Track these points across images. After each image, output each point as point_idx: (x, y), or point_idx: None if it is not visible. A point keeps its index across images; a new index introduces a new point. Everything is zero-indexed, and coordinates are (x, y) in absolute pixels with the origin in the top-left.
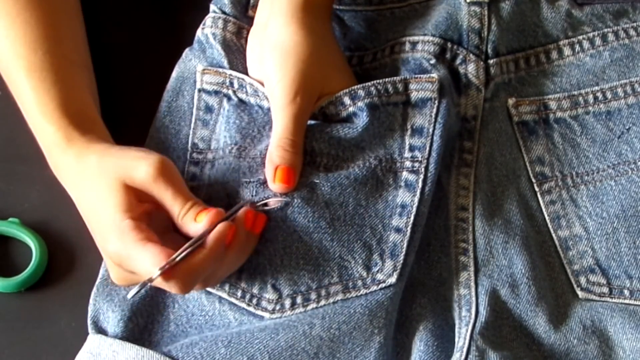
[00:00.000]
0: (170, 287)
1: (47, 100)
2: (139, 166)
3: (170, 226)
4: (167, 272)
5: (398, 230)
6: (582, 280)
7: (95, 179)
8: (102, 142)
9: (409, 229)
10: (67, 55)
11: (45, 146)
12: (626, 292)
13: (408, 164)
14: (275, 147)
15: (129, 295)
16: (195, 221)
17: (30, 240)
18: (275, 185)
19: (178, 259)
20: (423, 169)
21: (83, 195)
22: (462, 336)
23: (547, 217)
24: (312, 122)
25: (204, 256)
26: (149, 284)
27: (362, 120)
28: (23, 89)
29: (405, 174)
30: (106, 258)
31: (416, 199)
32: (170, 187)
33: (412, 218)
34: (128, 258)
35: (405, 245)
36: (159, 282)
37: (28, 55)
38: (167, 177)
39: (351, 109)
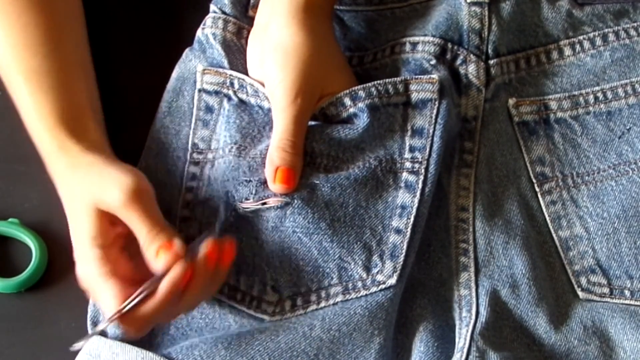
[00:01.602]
0: (124, 332)
1: (44, 105)
2: (110, 190)
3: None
4: (119, 320)
5: (398, 231)
6: (583, 280)
7: (77, 198)
8: (95, 151)
9: (409, 229)
10: (67, 59)
11: (42, 151)
12: (627, 292)
13: (408, 164)
14: (276, 148)
15: (97, 329)
16: (156, 257)
17: (30, 241)
18: (276, 186)
19: (127, 308)
20: (423, 170)
21: (69, 207)
22: (462, 337)
23: (547, 218)
24: (313, 123)
25: (155, 305)
26: (101, 329)
27: (362, 121)
28: (21, 92)
29: (405, 174)
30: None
31: (416, 200)
32: (136, 214)
33: (412, 219)
34: (89, 287)
35: (405, 247)
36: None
37: (27, 59)
38: (136, 203)
39: (352, 109)
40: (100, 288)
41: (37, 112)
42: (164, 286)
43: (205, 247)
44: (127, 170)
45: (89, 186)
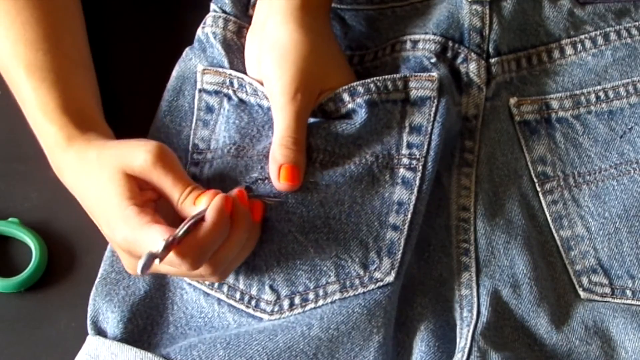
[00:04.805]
0: (181, 264)
1: (48, 99)
2: (137, 154)
3: (175, 219)
4: (176, 248)
5: (395, 227)
6: (584, 280)
7: (97, 172)
8: (103, 139)
9: (406, 226)
10: (67, 54)
11: (46, 146)
12: (628, 292)
13: (405, 160)
14: (278, 146)
15: (138, 270)
16: (194, 205)
17: (30, 240)
18: (280, 184)
19: (181, 232)
20: (421, 167)
21: (86, 191)
22: (463, 337)
23: (548, 217)
24: (312, 120)
25: (208, 227)
26: (157, 259)
27: (360, 116)
28: (24, 88)
29: (402, 170)
30: (116, 248)
31: (413, 197)
32: (169, 173)
33: (409, 215)
34: (135, 242)
35: (402, 243)
36: (169, 261)
37: (28, 55)
38: (166, 163)
39: (350, 105)
40: (145, 234)
41: (42, 106)
42: (211, 211)
43: (234, 191)
44: (144, 139)
45: (111, 156)
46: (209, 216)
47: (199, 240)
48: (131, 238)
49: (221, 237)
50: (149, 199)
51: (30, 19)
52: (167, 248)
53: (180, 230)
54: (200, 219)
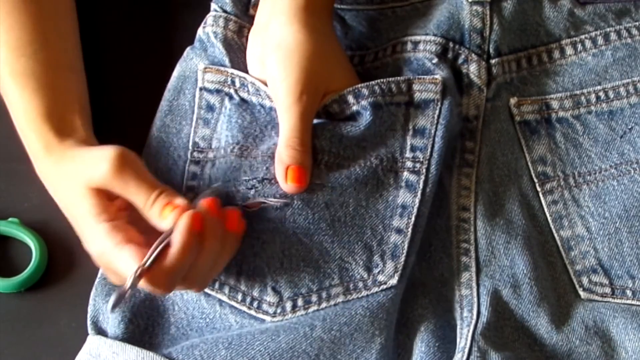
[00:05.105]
0: (152, 290)
1: (30, 107)
2: (97, 165)
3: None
4: (146, 276)
5: (399, 231)
6: (584, 280)
7: (67, 187)
8: (80, 147)
9: (409, 229)
10: (52, 59)
11: (30, 153)
12: (628, 292)
13: (409, 164)
14: (285, 147)
15: (109, 308)
16: (160, 216)
17: (30, 240)
18: (288, 185)
19: (149, 262)
20: (424, 170)
21: (63, 201)
22: (463, 337)
23: (549, 217)
24: (316, 121)
25: (175, 254)
26: (127, 294)
27: (364, 119)
28: (9, 94)
29: (406, 174)
30: (95, 260)
31: (417, 200)
32: (130, 181)
33: (413, 219)
34: (109, 261)
35: (406, 246)
36: (142, 286)
37: (12, 61)
38: (126, 171)
39: (355, 107)
40: (117, 256)
41: (25, 113)
42: (178, 233)
43: (202, 202)
44: (109, 146)
45: (76, 170)
46: (176, 240)
47: (168, 267)
48: (105, 256)
49: (191, 258)
50: (120, 209)
51: (15, 24)
52: (137, 279)
53: (148, 259)
54: (168, 242)
